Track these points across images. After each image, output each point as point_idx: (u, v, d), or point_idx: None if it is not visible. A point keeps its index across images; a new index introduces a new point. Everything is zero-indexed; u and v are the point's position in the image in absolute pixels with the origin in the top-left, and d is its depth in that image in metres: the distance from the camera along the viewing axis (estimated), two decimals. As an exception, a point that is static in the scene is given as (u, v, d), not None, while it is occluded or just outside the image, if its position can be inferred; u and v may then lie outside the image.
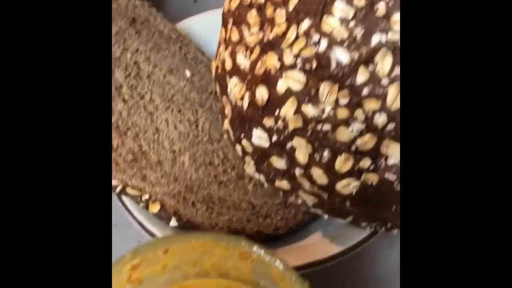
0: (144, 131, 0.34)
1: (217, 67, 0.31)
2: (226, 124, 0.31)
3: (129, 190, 0.32)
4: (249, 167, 0.30)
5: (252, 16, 0.28)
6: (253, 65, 0.27)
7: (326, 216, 0.30)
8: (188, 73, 0.37)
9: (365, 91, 0.23)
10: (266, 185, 0.30)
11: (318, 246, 0.32)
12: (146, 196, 0.32)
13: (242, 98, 0.28)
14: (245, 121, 0.28)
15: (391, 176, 0.24)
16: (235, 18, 0.29)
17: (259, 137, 0.27)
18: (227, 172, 0.34)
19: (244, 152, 0.30)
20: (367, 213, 0.27)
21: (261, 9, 0.27)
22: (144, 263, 0.25)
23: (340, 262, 0.32)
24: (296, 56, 0.24)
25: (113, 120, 0.33)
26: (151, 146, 0.33)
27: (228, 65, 0.29)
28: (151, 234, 0.31)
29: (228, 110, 0.30)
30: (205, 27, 0.41)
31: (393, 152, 0.23)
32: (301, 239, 0.34)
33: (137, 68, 0.35)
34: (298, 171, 0.27)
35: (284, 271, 0.24)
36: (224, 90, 0.30)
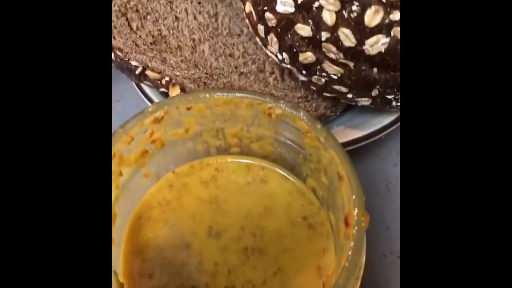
0: (163, 17, 0.33)
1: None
2: (248, 6, 0.30)
3: (149, 72, 0.31)
4: (272, 46, 0.29)
5: None
6: None
7: (350, 95, 0.29)
8: (206, -32, 0.36)
9: None
10: (288, 65, 0.30)
11: (341, 134, 0.32)
12: (166, 78, 0.31)
13: (267, -34, 0.27)
14: (269, -11, 0.27)
15: (423, 28, 0.23)
16: None
17: (284, 2, 0.26)
18: (248, 64, 0.34)
19: (267, 29, 0.29)
20: (394, 80, 0.26)
21: None
22: (167, 118, 0.24)
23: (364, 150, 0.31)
24: None
25: (132, 4, 0.32)
26: (170, 32, 0.33)
27: None
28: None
29: (250, -11, 0.29)
30: None
31: None
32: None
33: (155, -43, 0.35)
34: (324, 35, 0.26)
35: (309, 122, 0.23)
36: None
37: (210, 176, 0.28)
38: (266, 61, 0.34)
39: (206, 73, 0.32)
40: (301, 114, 0.23)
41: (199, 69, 0.32)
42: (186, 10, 0.34)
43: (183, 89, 0.31)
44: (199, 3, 0.35)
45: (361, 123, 0.33)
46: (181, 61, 0.32)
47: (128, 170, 0.25)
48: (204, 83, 0.32)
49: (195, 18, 0.34)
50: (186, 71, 0.32)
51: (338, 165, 0.22)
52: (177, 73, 0.31)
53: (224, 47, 0.34)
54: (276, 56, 0.30)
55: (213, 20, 0.35)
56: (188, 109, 0.25)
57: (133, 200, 0.27)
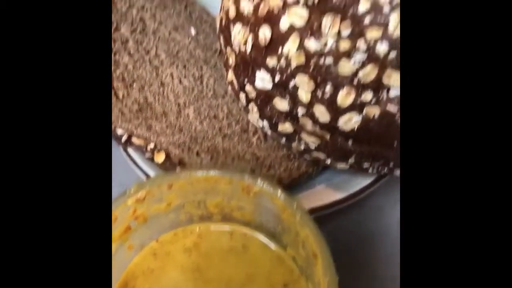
0: (149, 84, 0.34)
1: (221, 19, 0.32)
2: (230, 75, 0.31)
3: (134, 139, 0.32)
4: (253, 115, 0.30)
5: (255, -39, 0.28)
6: (257, 7, 0.27)
7: (329, 161, 0.30)
8: (193, 31, 0.38)
9: (367, 20, 0.23)
10: (269, 132, 0.31)
11: (322, 194, 0.33)
12: (151, 145, 0.32)
13: (245, 43, 0.28)
14: (248, 64, 0.28)
15: (392, 108, 0.24)
16: (238, -34, 0.30)
17: (262, 79, 0.27)
18: (232, 125, 0.35)
19: (248, 99, 0.30)
20: (369, 152, 0.27)
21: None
22: (149, 197, 0.25)
23: (344, 213, 0.32)
24: (299, -8, 0.25)
25: (118, 72, 0.33)
26: (156, 98, 0.34)
27: (232, 13, 0.29)
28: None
29: (231, 60, 0.30)
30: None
31: (394, 83, 0.24)
32: (305, 190, 0.34)
33: (143, 24, 0.36)
34: (300, 111, 0.27)
35: (286, 201, 0.24)
36: (228, 40, 0.31)
37: (193, 244, 0.29)
38: (249, 121, 0.35)
39: (191, 137, 0.33)
40: (278, 193, 0.24)
41: (184, 134, 0.33)
42: (171, 74, 0.35)
43: (167, 155, 0.32)
44: (185, 66, 0.36)
45: (342, 182, 0.34)
46: (166, 126, 0.33)
47: (113, 245, 0.26)
48: (189, 147, 0.33)
49: (180, 82, 0.35)
50: (171, 137, 0.33)
51: (313, 244, 0.23)
52: (162, 139, 0.32)
53: (209, 109, 0.35)
54: (257, 122, 0.31)
55: (198, 82, 0.36)
56: (170, 186, 0.26)
57: (118, 270, 0.28)
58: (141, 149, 0.32)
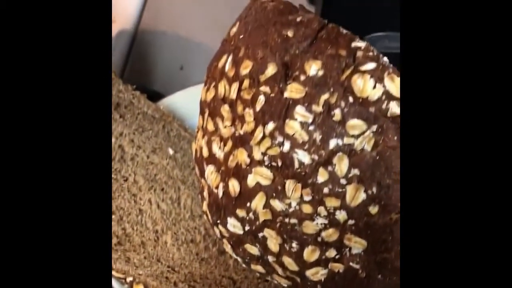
0: (128, 214, 0.35)
1: (196, 150, 0.33)
2: (205, 207, 0.32)
3: (114, 273, 0.33)
4: (227, 249, 0.32)
5: (225, 110, 0.30)
6: (227, 157, 0.29)
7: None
8: (171, 151, 0.39)
9: (326, 190, 0.24)
10: (244, 265, 0.32)
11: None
12: (130, 278, 0.33)
13: (217, 187, 0.30)
14: (220, 208, 0.30)
15: (355, 265, 0.26)
16: (210, 109, 0.31)
17: (233, 226, 0.29)
18: (209, 248, 0.36)
19: (222, 235, 0.31)
20: (339, 295, 0.28)
21: (232, 105, 0.29)
22: None
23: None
24: (264, 154, 0.26)
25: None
26: (134, 228, 0.35)
27: (205, 153, 0.31)
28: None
29: (206, 194, 0.32)
30: (188, 101, 0.43)
31: (355, 245, 0.25)
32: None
33: (122, 151, 0.37)
34: (270, 258, 0.28)
35: None
36: (202, 173, 0.32)
37: None
38: (226, 242, 0.36)
39: (168, 266, 0.34)
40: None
41: (162, 263, 0.34)
42: (149, 200, 0.36)
43: (146, 287, 0.33)
44: (163, 189, 0.37)
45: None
46: (144, 257, 0.34)
47: None
48: (166, 277, 0.34)
49: (158, 206, 0.36)
50: (148, 268, 0.34)
51: None
52: (140, 272, 0.33)
53: (186, 232, 0.36)
54: (232, 254, 0.32)
55: (175, 205, 0.37)
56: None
57: None
58: (120, 281, 0.33)
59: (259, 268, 0.30)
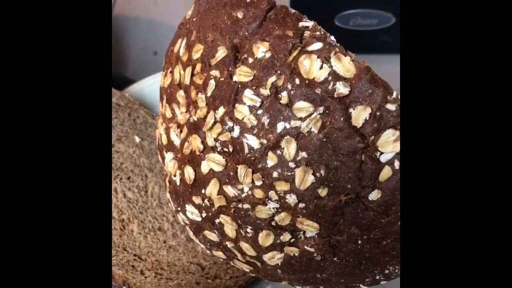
0: (92, 203, 0.35)
1: (158, 138, 0.33)
2: (168, 194, 0.32)
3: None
4: (191, 235, 0.31)
5: (181, 96, 0.29)
6: (182, 143, 0.29)
7: (266, 280, 0.31)
8: (137, 139, 0.39)
9: (275, 174, 0.24)
10: (207, 252, 0.32)
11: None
12: (95, 268, 0.33)
13: (175, 175, 0.29)
14: (179, 195, 0.29)
15: (310, 248, 0.26)
16: (167, 96, 0.31)
17: (192, 213, 0.28)
18: (177, 235, 0.36)
19: (184, 222, 0.31)
20: (299, 278, 0.28)
21: (187, 90, 0.29)
22: None
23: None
24: (216, 139, 0.26)
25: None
26: (99, 217, 0.35)
27: (164, 140, 0.31)
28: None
29: (167, 181, 0.31)
30: (157, 87, 0.43)
31: (308, 228, 0.25)
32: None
33: (85, 140, 0.37)
34: (229, 244, 0.28)
35: None
36: (163, 160, 0.32)
37: None
38: (195, 228, 0.36)
39: (135, 255, 0.34)
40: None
41: (128, 252, 0.34)
42: (115, 189, 0.36)
43: (112, 276, 0.33)
44: (129, 178, 0.37)
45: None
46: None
47: None
48: (133, 266, 0.34)
49: (124, 196, 0.36)
50: (114, 258, 0.33)
51: None
52: (106, 261, 0.33)
53: (154, 220, 0.36)
54: (196, 241, 0.32)
55: (142, 193, 0.37)
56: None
57: None
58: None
59: (220, 254, 0.29)
